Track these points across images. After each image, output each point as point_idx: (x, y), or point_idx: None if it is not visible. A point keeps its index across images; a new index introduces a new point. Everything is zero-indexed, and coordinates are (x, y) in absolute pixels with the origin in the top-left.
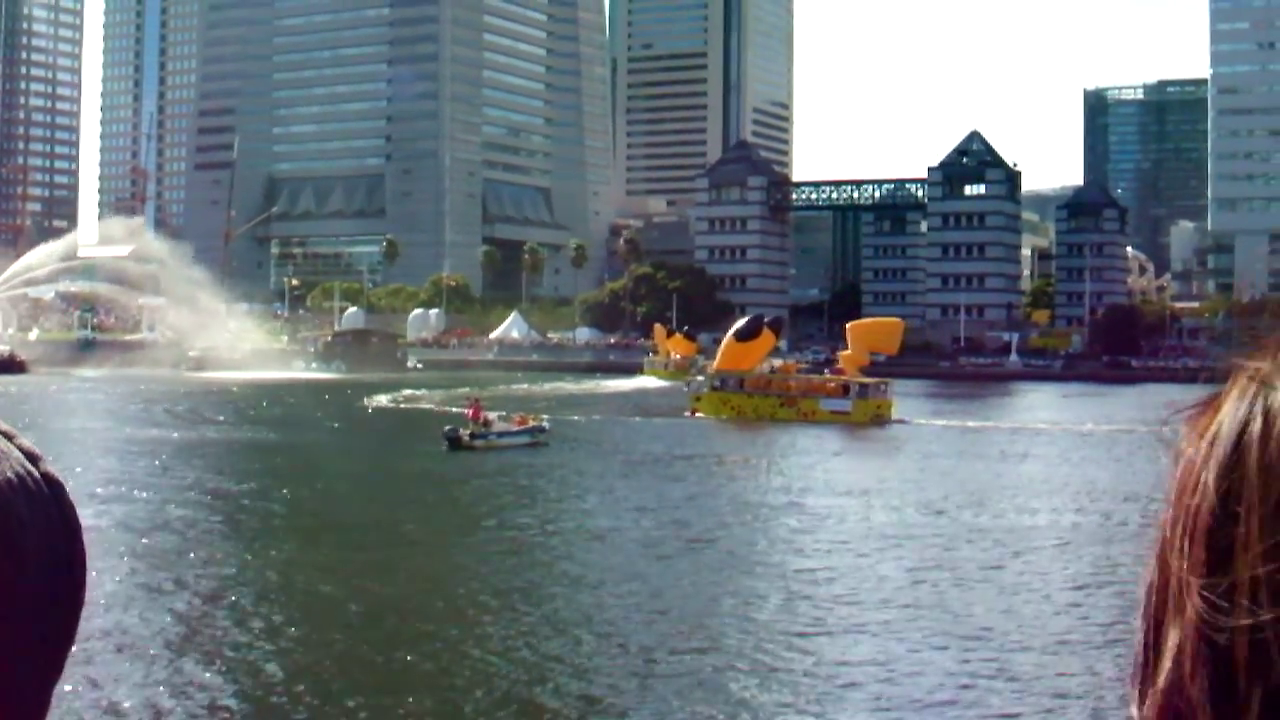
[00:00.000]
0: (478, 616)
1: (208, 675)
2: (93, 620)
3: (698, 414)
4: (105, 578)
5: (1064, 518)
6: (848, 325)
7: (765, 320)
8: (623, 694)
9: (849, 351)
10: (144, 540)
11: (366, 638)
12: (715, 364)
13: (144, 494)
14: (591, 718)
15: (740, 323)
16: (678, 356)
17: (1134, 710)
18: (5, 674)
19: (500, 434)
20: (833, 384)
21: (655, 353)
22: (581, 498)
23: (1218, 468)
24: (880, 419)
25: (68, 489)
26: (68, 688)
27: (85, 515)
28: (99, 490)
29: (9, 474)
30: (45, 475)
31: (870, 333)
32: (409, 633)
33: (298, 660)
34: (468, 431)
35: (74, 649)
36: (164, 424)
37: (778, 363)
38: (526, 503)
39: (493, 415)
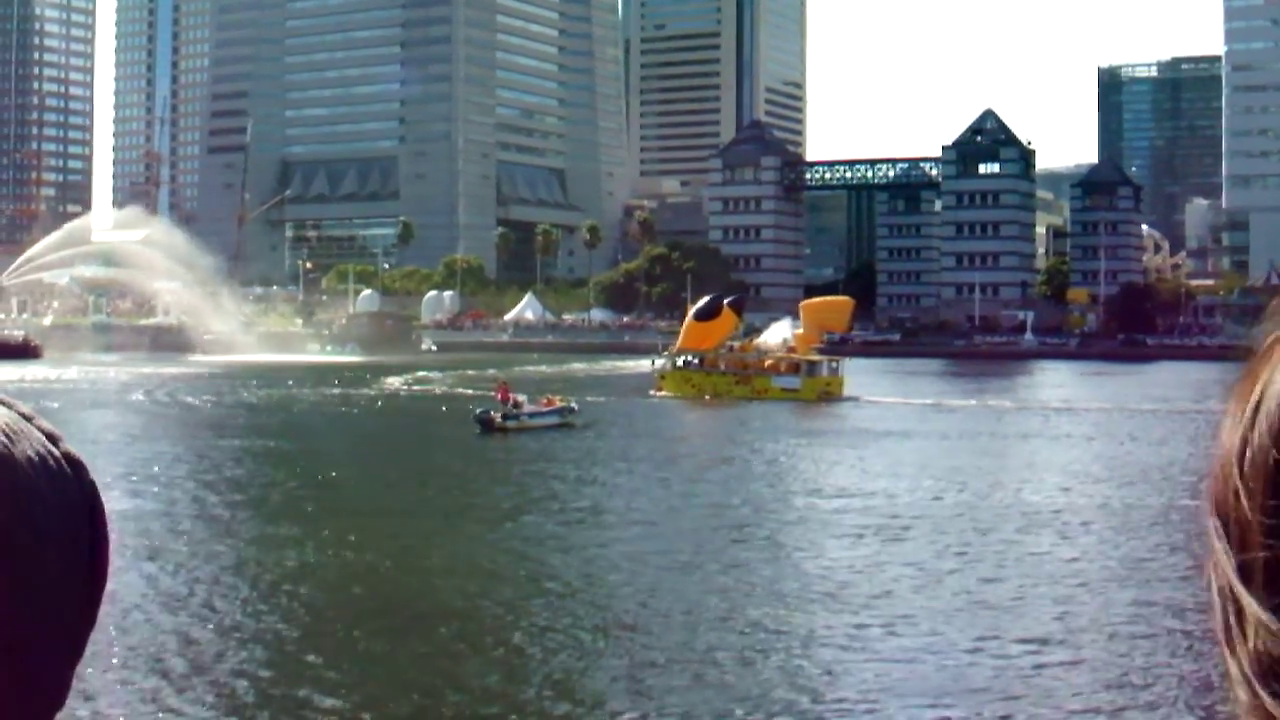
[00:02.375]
0: (536, 601)
1: (236, 655)
2: (123, 603)
3: (662, 392)
4: (133, 563)
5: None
6: (800, 305)
7: (726, 300)
8: (667, 684)
9: (801, 330)
10: (176, 526)
11: (416, 622)
12: (678, 343)
13: (169, 479)
14: (637, 705)
15: (701, 302)
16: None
17: (1232, 668)
18: (29, 652)
19: (531, 415)
20: (784, 362)
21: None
22: (619, 480)
23: (1270, 430)
24: (829, 396)
25: (88, 469)
26: (110, 674)
27: (111, 501)
28: (123, 477)
29: (30, 453)
30: (66, 455)
31: (821, 311)
32: (464, 618)
33: (340, 644)
34: (499, 413)
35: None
36: (182, 408)
37: (736, 343)
38: (569, 484)
39: (521, 397)
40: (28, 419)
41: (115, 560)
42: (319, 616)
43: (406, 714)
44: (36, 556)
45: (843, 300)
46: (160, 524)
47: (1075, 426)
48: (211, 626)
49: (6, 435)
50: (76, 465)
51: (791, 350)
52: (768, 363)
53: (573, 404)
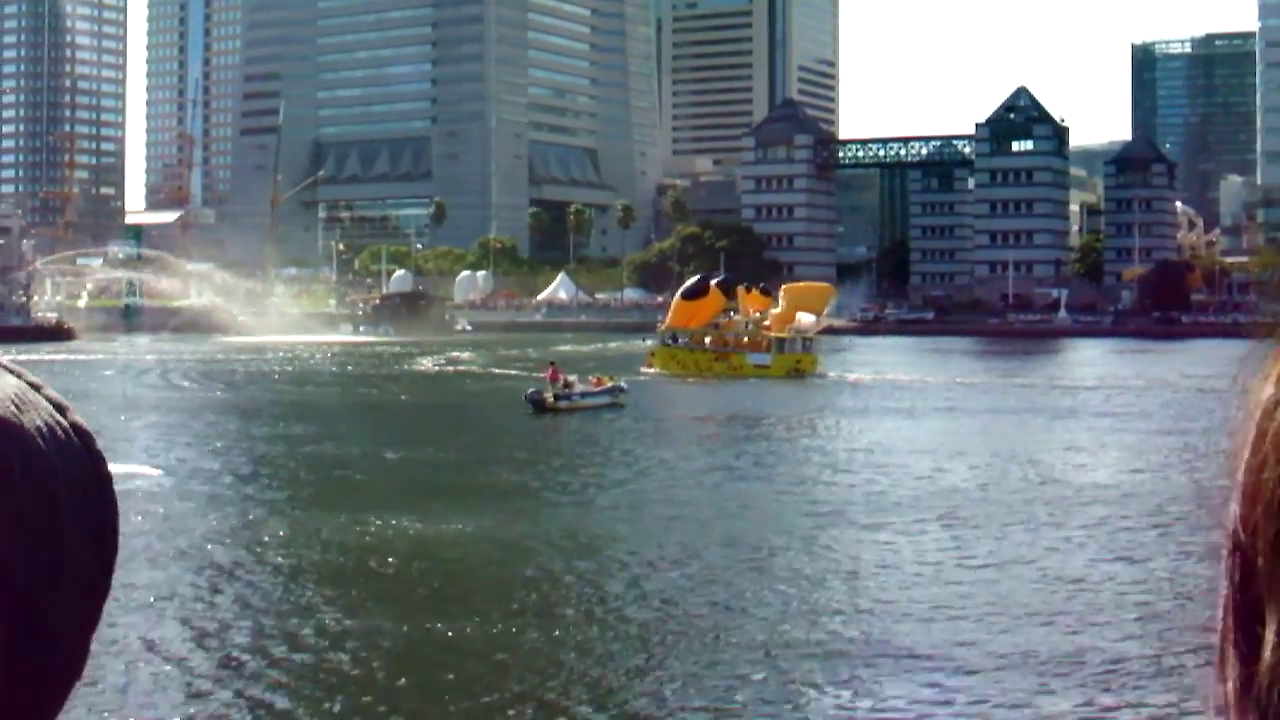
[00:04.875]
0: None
1: (297, 633)
2: (164, 583)
3: (652, 369)
4: (193, 545)
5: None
6: (782, 287)
7: (714, 280)
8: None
9: (779, 310)
10: (226, 510)
11: (500, 604)
12: (666, 321)
13: (212, 463)
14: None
15: (689, 281)
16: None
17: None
18: (46, 619)
19: (582, 395)
20: (762, 340)
21: (736, 311)
22: (681, 460)
23: None
24: (799, 372)
25: (95, 439)
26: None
27: (155, 483)
28: (167, 459)
29: (39, 422)
30: (74, 424)
31: (800, 295)
32: (551, 600)
33: (413, 626)
34: (550, 393)
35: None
36: (217, 390)
37: (722, 320)
38: (629, 464)
39: (572, 377)
40: (36, 388)
41: (179, 542)
42: (402, 598)
43: (473, 693)
44: (50, 525)
45: (823, 286)
46: (208, 508)
47: (1119, 405)
48: (267, 607)
49: (15, 404)
50: (84, 435)
51: (765, 328)
52: (744, 340)
53: (622, 383)
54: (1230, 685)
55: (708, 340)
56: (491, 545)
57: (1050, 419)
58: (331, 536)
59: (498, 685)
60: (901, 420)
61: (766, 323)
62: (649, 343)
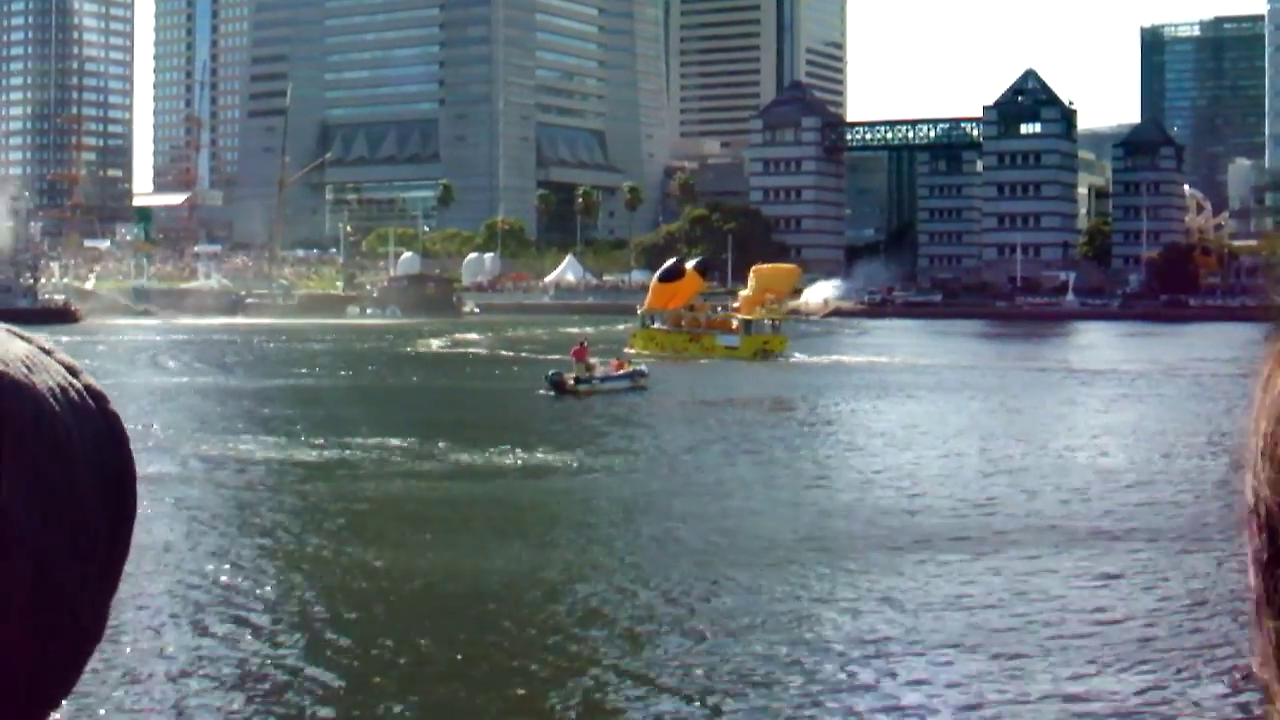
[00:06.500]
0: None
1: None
2: (172, 568)
3: (632, 350)
4: (189, 529)
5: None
6: (752, 269)
7: (690, 263)
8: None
9: (748, 292)
10: (248, 489)
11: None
12: (645, 303)
13: (231, 442)
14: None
15: (666, 264)
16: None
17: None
18: (63, 581)
19: (603, 379)
20: (734, 321)
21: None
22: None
23: None
24: (767, 353)
25: (109, 400)
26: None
27: (168, 469)
28: (167, 442)
29: (51, 384)
30: (87, 386)
31: (768, 276)
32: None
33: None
34: (571, 376)
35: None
36: (226, 372)
37: (695, 304)
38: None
39: (594, 360)
40: (48, 353)
41: (204, 528)
42: (431, 600)
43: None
44: (65, 486)
45: (790, 268)
46: (227, 493)
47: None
48: (276, 596)
49: (27, 366)
50: (98, 396)
51: (736, 310)
52: (715, 321)
53: (642, 367)
54: (1267, 640)
55: (683, 322)
56: (516, 539)
57: (1052, 398)
58: (362, 519)
59: (512, 681)
60: (892, 403)
61: (736, 305)
62: (629, 325)
